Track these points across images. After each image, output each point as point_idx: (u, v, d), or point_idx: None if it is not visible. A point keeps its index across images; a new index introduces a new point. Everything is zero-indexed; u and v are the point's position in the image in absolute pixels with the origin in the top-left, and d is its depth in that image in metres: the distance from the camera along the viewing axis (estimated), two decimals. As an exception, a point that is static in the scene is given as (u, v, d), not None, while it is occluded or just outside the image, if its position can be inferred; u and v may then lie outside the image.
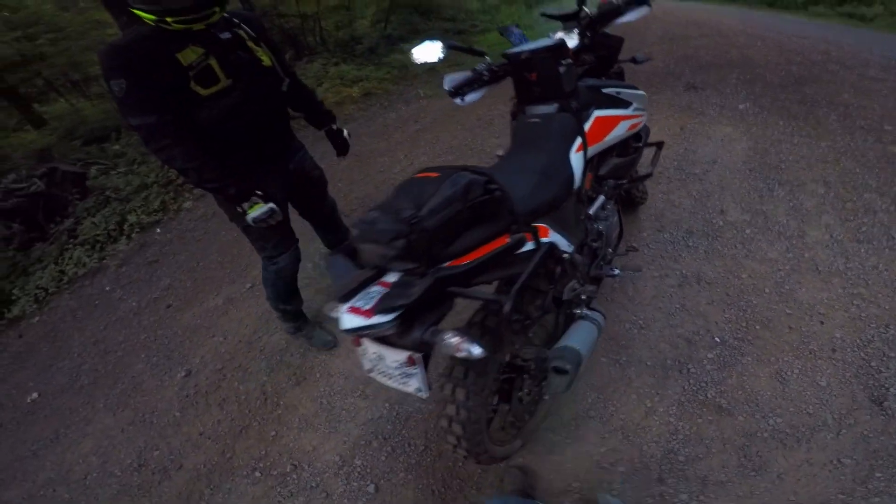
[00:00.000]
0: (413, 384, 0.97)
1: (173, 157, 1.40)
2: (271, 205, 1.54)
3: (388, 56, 7.14)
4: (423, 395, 0.97)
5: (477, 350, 0.84)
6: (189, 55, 1.35)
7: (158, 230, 3.78)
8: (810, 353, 1.68)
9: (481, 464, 1.35)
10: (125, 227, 3.82)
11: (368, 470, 1.60)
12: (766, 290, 1.95)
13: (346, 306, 0.89)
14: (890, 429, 1.43)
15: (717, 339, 1.78)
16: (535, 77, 1.45)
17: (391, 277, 0.93)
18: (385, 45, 7.41)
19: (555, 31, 1.68)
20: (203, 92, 1.39)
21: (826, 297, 1.88)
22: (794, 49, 5.55)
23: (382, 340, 0.94)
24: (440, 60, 1.54)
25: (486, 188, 0.97)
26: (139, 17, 1.33)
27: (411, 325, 0.87)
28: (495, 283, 1.26)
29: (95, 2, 5.49)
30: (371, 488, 1.54)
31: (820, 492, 1.32)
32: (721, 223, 2.40)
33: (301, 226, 2.12)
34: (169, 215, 4.00)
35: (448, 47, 1.54)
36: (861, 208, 2.35)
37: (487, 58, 1.57)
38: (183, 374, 2.20)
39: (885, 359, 1.62)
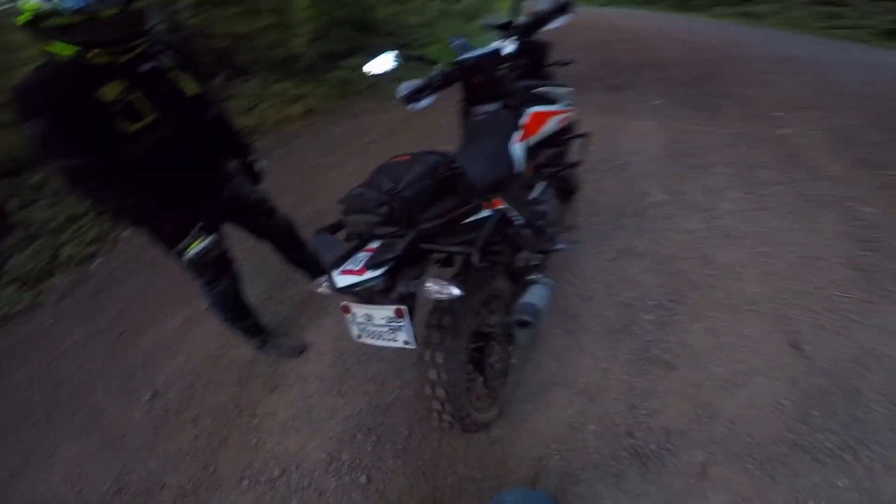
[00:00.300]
0: (401, 337, 1.09)
1: (104, 199, 1.34)
2: (213, 236, 1.53)
3: (329, 73, 7.15)
4: (412, 346, 1.09)
5: (455, 290, 0.99)
6: (111, 90, 1.27)
7: (99, 260, 3.58)
8: (733, 308, 1.90)
9: (466, 430, 1.43)
10: (59, 260, 3.59)
11: (358, 462, 1.63)
12: (690, 257, 2.23)
13: (338, 271, 1.01)
14: (812, 370, 1.60)
15: (653, 303, 2.01)
16: (480, 80, 1.64)
17: (374, 244, 1.07)
18: (325, 62, 7.40)
19: (494, 40, 1.89)
20: (128, 128, 1.32)
21: (739, 257, 2.18)
22: (699, 48, 6.26)
23: (369, 301, 1.06)
24: (394, 69, 1.67)
25: (449, 167, 1.15)
26: (52, 52, 1.23)
27: (394, 282, 1.00)
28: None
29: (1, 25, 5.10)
30: (363, 479, 1.57)
31: (770, 432, 1.43)
32: (646, 203, 2.72)
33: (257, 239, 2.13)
34: (108, 245, 3.79)
35: (402, 57, 1.67)
36: (759, 182, 2.75)
37: (441, 65, 1.74)
38: (149, 396, 2.13)
39: (792, 306, 1.86)
